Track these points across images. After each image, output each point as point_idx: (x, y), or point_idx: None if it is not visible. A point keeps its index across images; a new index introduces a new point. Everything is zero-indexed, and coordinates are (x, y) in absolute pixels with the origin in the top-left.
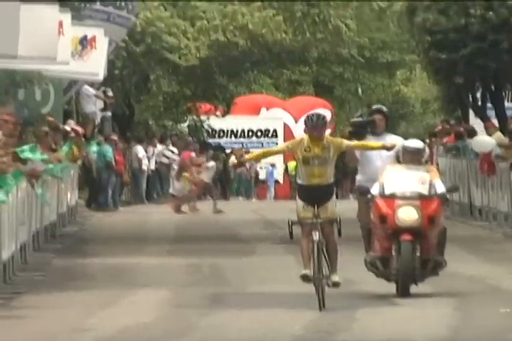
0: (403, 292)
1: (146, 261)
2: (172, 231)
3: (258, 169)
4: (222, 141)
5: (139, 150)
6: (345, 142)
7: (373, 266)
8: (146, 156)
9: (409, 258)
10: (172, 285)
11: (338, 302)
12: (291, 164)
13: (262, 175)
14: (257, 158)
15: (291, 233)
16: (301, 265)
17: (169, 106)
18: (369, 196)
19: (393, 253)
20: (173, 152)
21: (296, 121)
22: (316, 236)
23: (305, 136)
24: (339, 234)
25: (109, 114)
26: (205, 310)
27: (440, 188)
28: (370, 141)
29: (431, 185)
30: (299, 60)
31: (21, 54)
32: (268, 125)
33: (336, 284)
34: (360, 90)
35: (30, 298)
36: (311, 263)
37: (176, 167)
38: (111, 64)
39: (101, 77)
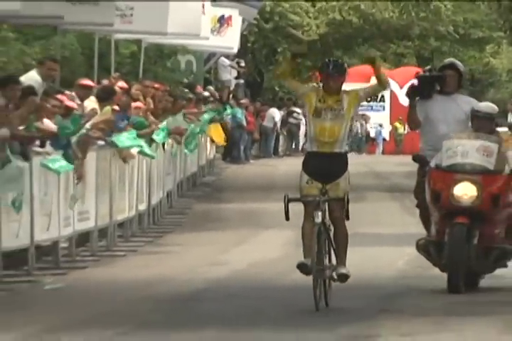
0: (451, 286)
1: (273, 206)
2: (296, 181)
3: (369, 129)
4: None
5: (276, 113)
6: (361, 88)
7: (426, 252)
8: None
9: (461, 244)
10: (294, 227)
11: None
12: (396, 124)
13: (372, 134)
14: (287, 76)
15: (286, 212)
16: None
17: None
18: (427, 169)
19: (446, 237)
20: (298, 113)
21: (400, 88)
22: (318, 217)
23: (321, 86)
24: (346, 216)
25: (241, 81)
26: None
27: None
28: (437, 103)
29: (499, 158)
30: (403, 35)
31: (170, 31)
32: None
33: (342, 276)
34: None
35: (174, 237)
36: (312, 251)
37: (303, 126)
38: (244, 39)
39: (235, 50)
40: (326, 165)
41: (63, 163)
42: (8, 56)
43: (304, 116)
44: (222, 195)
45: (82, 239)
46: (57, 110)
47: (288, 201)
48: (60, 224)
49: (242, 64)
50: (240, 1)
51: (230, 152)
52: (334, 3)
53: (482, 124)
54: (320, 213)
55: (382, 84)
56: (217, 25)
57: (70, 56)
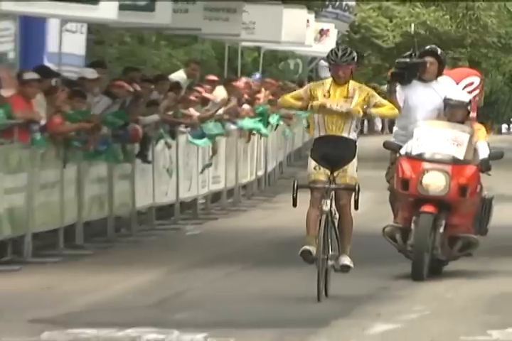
0: (414, 273)
1: (361, 173)
2: (381, 154)
3: None
4: None
5: None
6: (375, 99)
7: (391, 238)
8: None
9: (427, 233)
10: (375, 189)
11: None
12: None
13: None
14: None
15: (294, 199)
16: None
17: (375, 74)
18: (397, 155)
19: (412, 225)
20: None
21: (456, 83)
22: (326, 205)
23: (327, 80)
24: (355, 206)
25: None
26: None
27: (482, 153)
28: (416, 89)
29: (469, 149)
30: (458, 44)
31: (283, 40)
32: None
33: (344, 268)
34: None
35: (284, 196)
36: (317, 239)
37: None
38: (338, 46)
39: None
40: (333, 151)
41: (205, 139)
42: (159, 58)
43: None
44: None
45: (215, 197)
46: (198, 100)
47: (297, 187)
48: (199, 185)
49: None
50: (336, 18)
51: None
52: (407, 19)
53: (454, 112)
54: (328, 201)
55: (390, 115)
56: (318, 35)
57: (207, 59)
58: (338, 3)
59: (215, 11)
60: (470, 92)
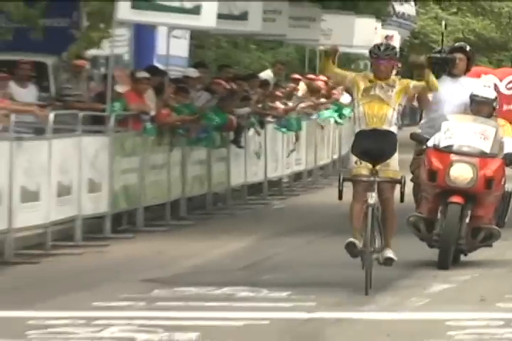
0: (441, 263)
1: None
2: None
3: None
4: None
5: None
6: (414, 82)
7: (416, 228)
8: None
9: (455, 223)
10: None
11: None
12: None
13: None
14: (331, 69)
15: (340, 191)
16: None
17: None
18: (424, 147)
19: (438, 215)
20: None
21: (500, 81)
22: (371, 199)
23: (370, 74)
24: (401, 199)
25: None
26: None
27: (508, 147)
28: (445, 84)
29: (495, 143)
30: (502, 48)
31: (354, 44)
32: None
33: (388, 260)
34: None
35: None
36: (362, 233)
37: None
38: (400, 50)
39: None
40: (373, 146)
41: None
42: (250, 59)
43: (353, 100)
44: None
45: (297, 176)
46: (283, 95)
47: (342, 180)
48: (284, 166)
49: (399, 65)
50: (399, 26)
51: None
52: (458, 27)
53: (480, 108)
54: (373, 194)
55: (430, 88)
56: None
57: (290, 61)
58: (401, 13)
59: (298, 19)
60: (511, 88)
